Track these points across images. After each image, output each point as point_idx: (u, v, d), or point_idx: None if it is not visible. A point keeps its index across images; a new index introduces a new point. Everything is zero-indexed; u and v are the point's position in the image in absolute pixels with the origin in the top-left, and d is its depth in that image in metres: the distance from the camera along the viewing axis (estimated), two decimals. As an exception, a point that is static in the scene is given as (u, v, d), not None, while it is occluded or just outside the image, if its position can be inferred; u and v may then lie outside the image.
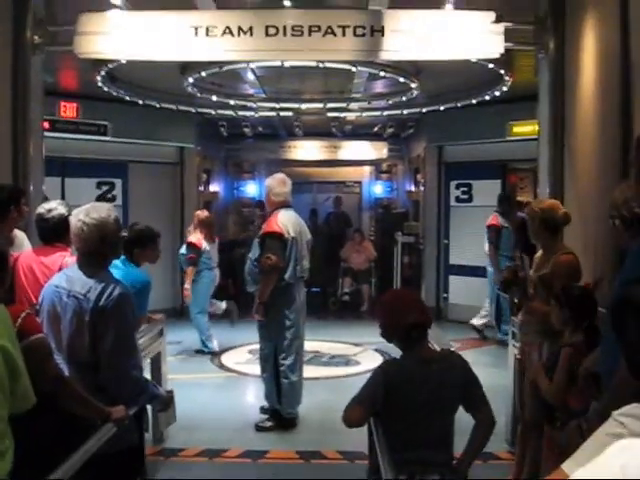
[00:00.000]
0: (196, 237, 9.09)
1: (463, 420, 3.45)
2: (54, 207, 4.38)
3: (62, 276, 3.48)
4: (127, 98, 10.03)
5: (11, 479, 2.05)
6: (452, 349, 4.46)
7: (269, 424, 6.33)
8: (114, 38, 6.15)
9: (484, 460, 5.36)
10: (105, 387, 3.24)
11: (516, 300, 5.03)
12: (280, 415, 6.35)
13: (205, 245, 9.09)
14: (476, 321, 10.09)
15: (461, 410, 3.43)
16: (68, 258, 4.23)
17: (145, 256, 5.36)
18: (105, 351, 3.22)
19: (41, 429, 2.80)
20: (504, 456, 5.55)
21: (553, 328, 4.12)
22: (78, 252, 3.48)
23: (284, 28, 6.02)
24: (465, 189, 11.62)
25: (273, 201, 6.41)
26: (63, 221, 4.21)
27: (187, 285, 8.95)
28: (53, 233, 4.34)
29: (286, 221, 6.24)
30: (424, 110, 11.16)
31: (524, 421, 4.66)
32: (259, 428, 6.30)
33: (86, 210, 3.43)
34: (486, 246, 9.75)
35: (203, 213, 9.54)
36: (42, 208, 4.42)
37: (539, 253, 4.76)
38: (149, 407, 3.94)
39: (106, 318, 3.23)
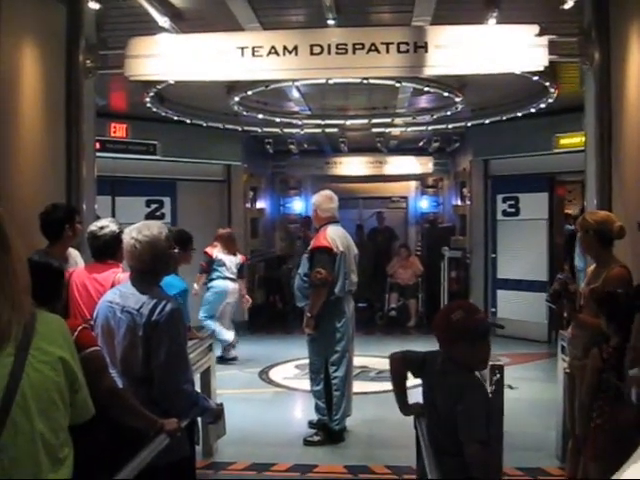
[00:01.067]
0: (211, 248, 9.50)
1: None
2: (106, 225, 4.50)
3: (115, 292, 3.58)
4: (175, 118, 10.24)
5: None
6: (501, 366, 4.43)
7: (317, 438, 6.35)
8: (163, 60, 6.33)
9: (534, 476, 5.33)
10: (158, 400, 3.31)
11: (565, 314, 4.97)
12: (329, 429, 6.37)
13: (220, 255, 9.47)
14: None
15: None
16: (120, 274, 4.34)
17: (185, 258, 5.46)
18: (158, 365, 3.30)
19: (94, 440, 2.87)
20: (554, 472, 5.49)
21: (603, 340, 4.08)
22: (131, 269, 3.58)
23: (328, 47, 6.12)
24: (512, 202, 11.52)
25: (321, 217, 6.49)
26: (115, 238, 4.34)
27: (196, 286, 9.28)
28: (105, 250, 4.46)
29: (334, 236, 6.32)
30: (469, 124, 11.16)
31: (575, 436, 4.60)
32: (307, 442, 6.33)
33: (138, 228, 3.53)
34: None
35: (224, 229, 10.07)
36: (94, 226, 4.55)
37: (592, 266, 4.71)
38: (200, 420, 4.01)
39: (159, 333, 3.31)
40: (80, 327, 2.93)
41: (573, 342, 4.80)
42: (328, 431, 6.37)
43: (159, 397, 3.32)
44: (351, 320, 6.47)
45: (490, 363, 4.69)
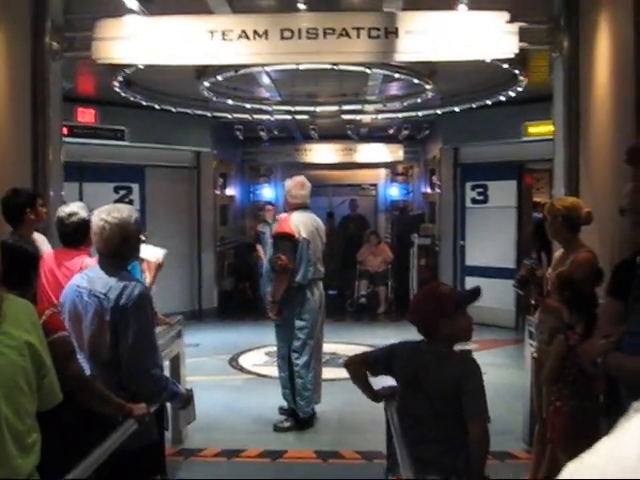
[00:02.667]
0: None
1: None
2: (75, 211, 4.43)
3: (83, 276, 3.54)
4: (144, 103, 10.12)
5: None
6: (469, 351, 4.47)
7: (287, 424, 6.36)
8: (131, 43, 6.22)
9: (501, 459, 5.39)
10: (126, 385, 3.29)
11: (533, 299, 5.02)
12: (298, 415, 6.39)
13: None
14: None
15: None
16: (88, 259, 4.29)
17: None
18: (126, 349, 3.27)
19: (62, 426, 2.84)
20: (521, 455, 5.57)
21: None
22: (98, 252, 3.53)
23: (299, 31, 6.07)
24: (481, 190, 11.61)
25: (290, 203, 6.47)
26: (83, 225, 4.27)
27: None
28: (73, 236, 4.40)
29: (298, 222, 6.28)
30: (439, 112, 11.18)
31: (541, 420, 4.66)
32: (277, 428, 6.34)
33: (108, 210, 3.49)
34: None
35: None
36: (62, 212, 4.48)
37: (559, 252, 4.76)
38: (169, 406, 3.99)
39: (126, 317, 3.28)
40: (49, 311, 2.89)
41: (540, 327, 4.85)
42: (297, 417, 6.39)
43: (127, 381, 3.30)
44: (318, 308, 6.45)
45: (458, 348, 4.75)
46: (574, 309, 3.91)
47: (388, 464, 3.64)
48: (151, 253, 6.16)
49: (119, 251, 3.46)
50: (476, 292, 3.40)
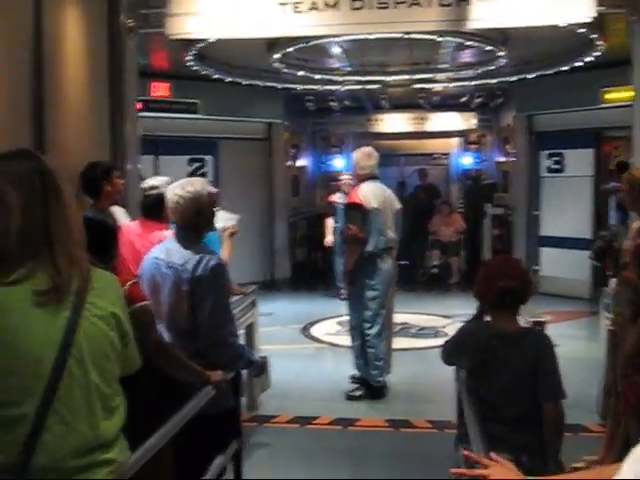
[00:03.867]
0: None
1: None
2: (156, 185, 4.54)
3: (161, 248, 3.66)
4: (215, 76, 10.23)
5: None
6: (543, 323, 4.41)
7: (359, 393, 6.45)
8: (203, 18, 6.31)
9: (575, 432, 5.34)
10: (204, 353, 3.41)
11: (610, 271, 4.93)
12: (369, 384, 6.46)
13: None
14: None
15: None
16: (166, 232, 4.42)
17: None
18: (203, 318, 3.39)
19: (141, 391, 2.97)
20: (595, 428, 5.49)
21: None
22: (175, 225, 3.65)
23: (369, 1, 6.04)
24: (557, 159, 11.33)
25: (359, 174, 6.52)
26: (161, 200, 4.39)
27: None
28: (151, 209, 4.52)
29: (368, 192, 6.31)
30: (513, 79, 10.93)
31: (617, 393, 4.59)
32: (349, 397, 6.43)
33: (181, 184, 3.60)
34: None
35: None
36: (146, 184, 4.63)
37: (637, 222, 4.65)
38: (245, 374, 4.10)
39: (203, 287, 3.39)
40: (130, 282, 3.01)
41: (617, 299, 4.75)
42: (369, 386, 6.46)
43: (205, 350, 3.42)
44: (389, 278, 6.47)
45: (532, 320, 4.71)
46: None
47: (459, 433, 3.67)
48: (224, 218, 6.27)
49: (194, 224, 3.57)
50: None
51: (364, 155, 6.53)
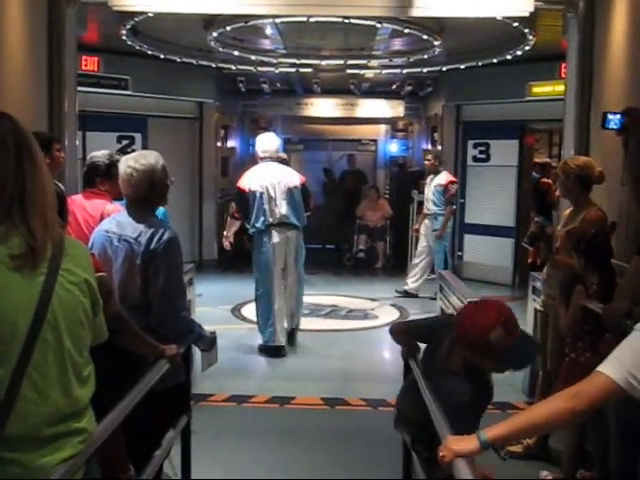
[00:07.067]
0: None
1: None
2: (92, 155, 4.58)
3: (112, 221, 3.62)
4: (149, 52, 10.04)
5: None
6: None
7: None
8: (146, -9, 6.21)
9: (502, 409, 5.55)
10: (156, 327, 3.39)
11: (542, 255, 5.14)
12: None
13: None
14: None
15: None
16: (109, 205, 4.37)
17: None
18: (156, 292, 3.37)
19: (101, 364, 2.94)
20: (522, 406, 5.71)
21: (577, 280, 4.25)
22: (127, 198, 3.61)
23: (314, -17, 6.07)
24: (482, 149, 11.63)
25: (260, 157, 7.30)
26: (93, 169, 4.48)
27: None
28: (85, 178, 4.59)
29: (249, 176, 7.13)
30: (444, 68, 11.14)
31: (546, 371, 4.82)
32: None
33: (135, 157, 3.56)
34: None
35: None
36: (88, 157, 4.60)
37: (568, 210, 4.86)
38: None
39: (157, 261, 3.38)
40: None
41: (548, 282, 4.98)
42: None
43: (157, 324, 3.40)
44: (279, 249, 7.14)
45: (459, 303, 4.86)
46: (590, 260, 4.02)
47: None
48: None
49: (147, 197, 3.54)
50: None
51: (265, 140, 7.31)
